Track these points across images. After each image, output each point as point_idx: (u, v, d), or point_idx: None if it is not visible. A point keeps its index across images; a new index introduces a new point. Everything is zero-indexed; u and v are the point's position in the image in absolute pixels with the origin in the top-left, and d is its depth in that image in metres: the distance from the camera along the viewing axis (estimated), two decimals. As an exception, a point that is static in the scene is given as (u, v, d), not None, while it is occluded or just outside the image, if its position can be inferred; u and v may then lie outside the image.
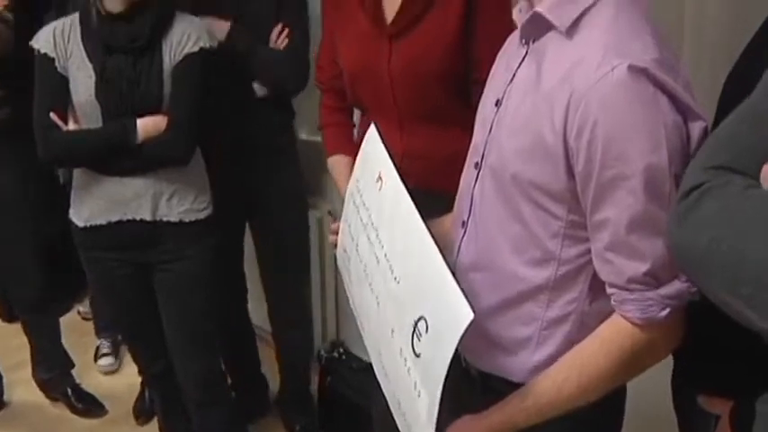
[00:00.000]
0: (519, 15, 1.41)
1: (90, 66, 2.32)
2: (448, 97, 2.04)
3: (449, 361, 1.21)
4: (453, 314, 1.22)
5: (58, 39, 2.34)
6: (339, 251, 1.77)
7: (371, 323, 1.56)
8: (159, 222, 2.44)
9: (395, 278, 1.41)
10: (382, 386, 1.53)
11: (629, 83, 1.18)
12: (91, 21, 2.32)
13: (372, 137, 1.60)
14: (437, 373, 1.24)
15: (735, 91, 1.34)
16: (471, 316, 1.18)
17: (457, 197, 1.56)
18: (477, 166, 1.45)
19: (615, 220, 1.22)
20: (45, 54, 2.34)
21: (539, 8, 1.31)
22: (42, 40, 2.35)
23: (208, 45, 2.36)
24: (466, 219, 1.48)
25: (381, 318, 1.48)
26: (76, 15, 2.37)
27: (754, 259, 0.90)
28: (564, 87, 1.23)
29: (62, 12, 2.62)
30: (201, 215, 2.50)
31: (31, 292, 3.28)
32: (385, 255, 1.47)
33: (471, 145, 1.51)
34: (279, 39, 2.68)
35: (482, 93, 1.53)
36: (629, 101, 1.18)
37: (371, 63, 2.06)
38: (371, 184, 1.56)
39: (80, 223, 2.49)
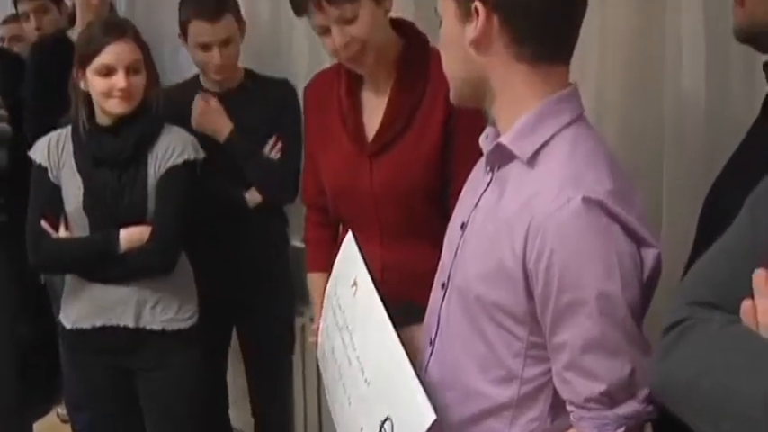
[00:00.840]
0: (485, 142, 1.47)
1: (79, 177, 2.38)
2: (429, 211, 2.05)
3: None
4: (416, 415, 1.28)
5: (52, 149, 2.42)
6: (319, 351, 1.83)
7: (343, 422, 1.62)
8: (142, 330, 2.45)
9: (365, 380, 1.47)
10: None
11: (584, 214, 1.23)
12: (80, 133, 2.39)
13: (350, 243, 1.66)
14: None
15: (712, 215, 1.40)
16: (433, 417, 1.24)
17: (426, 315, 1.60)
18: (444, 286, 1.49)
19: (572, 342, 1.27)
20: (40, 164, 2.41)
21: (502, 140, 1.37)
22: (38, 151, 2.43)
23: (192, 157, 2.40)
24: (433, 337, 1.52)
25: (352, 417, 1.54)
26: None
27: (736, 395, 0.91)
28: (523, 215, 1.29)
29: (37, 123, 2.77)
30: (185, 324, 2.50)
31: (5, 397, 3.18)
32: (357, 357, 1.53)
33: (439, 265, 1.56)
34: (273, 151, 2.74)
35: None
36: (584, 231, 1.24)
37: (353, 181, 2.09)
38: (347, 288, 1.63)
39: (68, 325, 2.52)
